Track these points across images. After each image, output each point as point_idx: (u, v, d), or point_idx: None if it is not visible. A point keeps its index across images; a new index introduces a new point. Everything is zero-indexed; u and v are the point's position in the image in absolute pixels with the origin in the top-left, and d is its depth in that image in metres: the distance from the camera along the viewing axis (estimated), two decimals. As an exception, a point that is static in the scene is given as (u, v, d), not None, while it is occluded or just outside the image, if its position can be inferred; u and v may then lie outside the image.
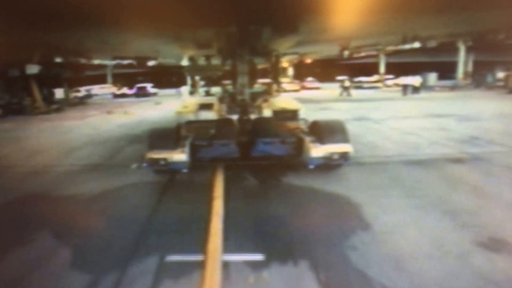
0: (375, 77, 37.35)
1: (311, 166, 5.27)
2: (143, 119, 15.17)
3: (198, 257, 3.25)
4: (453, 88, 30.14)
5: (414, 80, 26.34)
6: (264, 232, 3.83)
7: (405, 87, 25.54)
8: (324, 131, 5.34)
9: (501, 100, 19.26)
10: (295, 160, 5.67)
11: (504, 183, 5.19)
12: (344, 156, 5.13)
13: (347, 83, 26.87)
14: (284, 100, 9.06)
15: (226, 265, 3.14)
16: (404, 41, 9.09)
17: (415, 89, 25.56)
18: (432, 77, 33.32)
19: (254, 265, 3.16)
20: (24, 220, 4.49)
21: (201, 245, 3.40)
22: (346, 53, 10.98)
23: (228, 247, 3.41)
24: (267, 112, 7.49)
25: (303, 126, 6.56)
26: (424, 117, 12.55)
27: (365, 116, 13.29)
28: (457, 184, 5.22)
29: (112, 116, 17.34)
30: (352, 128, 8.33)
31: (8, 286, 3.02)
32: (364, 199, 4.66)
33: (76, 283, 3.00)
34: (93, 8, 3.30)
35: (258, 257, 3.27)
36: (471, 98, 20.66)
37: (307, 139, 5.39)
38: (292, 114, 7.18)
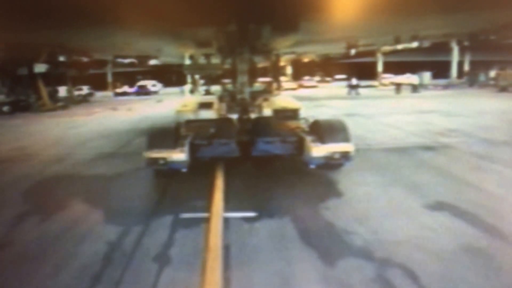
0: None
1: (312, 166, 5.24)
2: (147, 115, 16.05)
3: (204, 215, 4.14)
4: (446, 86, 31.10)
5: (410, 78, 27.30)
6: (257, 198, 4.74)
7: (398, 85, 26.43)
8: (325, 130, 5.28)
9: (489, 98, 20.18)
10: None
11: (461, 164, 6.12)
12: (345, 155, 5.06)
13: (354, 82, 26.19)
14: (284, 99, 9.01)
15: (226, 220, 4.03)
16: (398, 41, 9.64)
17: (414, 88, 26.45)
18: (426, 76, 34.23)
19: (248, 220, 4.05)
20: (59, 192, 5.38)
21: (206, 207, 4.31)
22: (353, 51, 11.23)
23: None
24: (267, 111, 7.47)
25: (303, 125, 6.49)
26: (410, 113, 13.45)
27: (356, 112, 14.19)
28: (422, 165, 6.14)
29: (117, 112, 18.22)
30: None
31: (58, 237, 3.90)
32: (342, 177, 5.56)
33: (113, 231, 3.89)
34: (95, 7, 3.36)
35: (252, 214, 4.16)
36: (461, 96, 21.58)
37: (308, 138, 5.33)
38: (293, 113, 7.10)
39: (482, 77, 32.20)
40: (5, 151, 8.84)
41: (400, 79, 28.23)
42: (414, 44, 10.62)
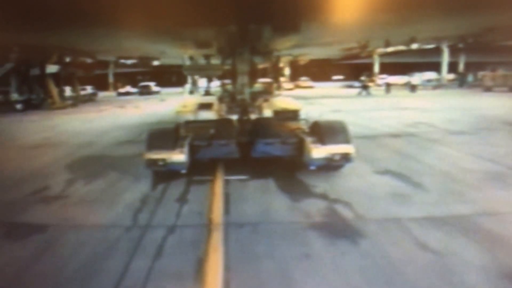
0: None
1: (312, 167, 5.28)
2: (153, 112, 17.51)
3: (210, 178, 5.61)
4: (437, 87, 32.66)
5: (400, 79, 28.91)
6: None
7: (388, 85, 27.98)
8: (325, 131, 5.32)
9: (471, 97, 21.71)
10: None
11: (415, 146, 7.62)
12: (345, 157, 5.13)
13: (366, 81, 26.31)
14: (284, 100, 9.15)
15: (226, 181, 5.50)
16: (387, 44, 10.41)
17: (413, 87, 28.00)
18: (417, 77, 35.77)
19: (242, 180, 5.51)
20: (94, 166, 6.84)
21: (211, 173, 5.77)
22: (367, 50, 11.30)
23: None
24: (267, 112, 7.55)
25: (304, 126, 6.53)
26: (392, 110, 14.96)
27: (343, 109, 15.71)
28: (384, 147, 7.62)
29: (125, 110, 19.66)
30: (328, 117, 10.65)
31: (104, 190, 5.35)
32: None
33: (144, 187, 5.35)
34: (99, 9, 3.48)
35: (245, 177, 5.62)
36: (446, 96, 23.11)
37: (308, 139, 5.38)
38: (293, 114, 7.12)
39: (470, 78, 33.83)
40: (37, 140, 10.28)
41: (392, 79, 29.82)
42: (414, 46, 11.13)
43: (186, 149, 5.22)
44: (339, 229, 3.77)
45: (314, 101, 21.26)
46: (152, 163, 5.14)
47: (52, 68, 21.97)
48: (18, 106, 21.99)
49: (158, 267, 3.12)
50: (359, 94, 25.65)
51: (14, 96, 22.18)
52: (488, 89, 26.56)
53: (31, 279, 3.03)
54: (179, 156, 5.08)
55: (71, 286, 2.92)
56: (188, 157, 5.28)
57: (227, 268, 3.09)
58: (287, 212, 4.29)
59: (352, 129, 9.38)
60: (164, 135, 5.45)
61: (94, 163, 7.16)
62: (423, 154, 6.90)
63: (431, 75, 34.28)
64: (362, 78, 27.27)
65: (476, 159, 6.44)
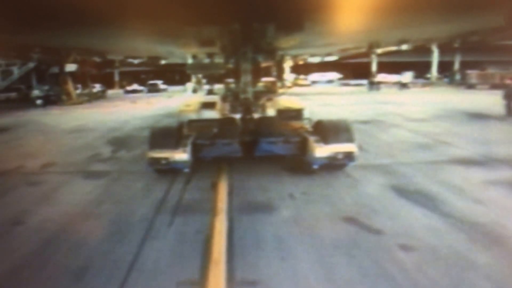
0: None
1: (315, 166, 5.28)
2: (163, 106, 19.65)
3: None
4: (426, 85, 34.70)
5: (389, 77, 30.98)
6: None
7: (371, 83, 30.16)
8: (328, 130, 5.33)
9: (452, 93, 23.73)
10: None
11: (377, 128, 9.74)
12: (348, 156, 5.14)
13: (376, 78, 29.59)
14: (288, 99, 9.09)
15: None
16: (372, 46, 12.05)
17: (403, 85, 30.19)
18: (408, 75, 37.84)
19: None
20: (127, 142, 8.95)
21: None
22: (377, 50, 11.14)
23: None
24: (271, 111, 7.65)
25: (307, 125, 6.55)
26: (374, 104, 17.04)
27: (330, 103, 17.81)
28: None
29: (137, 105, 21.80)
30: (315, 109, 12.77)
31: (142, 156, 7.45)
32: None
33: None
34: (107, 10, 3.49)
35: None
36: (430, 92, 25.11)
37: (311, 138, 5.39)
38: (296, 113, 7.11)
39: (457, 76, 35.89)
40: (72, 127, 12.42)
41: (382, 77, 31.89)
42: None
43: (189, 148, 5.27)
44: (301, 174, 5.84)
45: (307, 97, 23.33)
46: (155, 162, 5.20)
47: (70, 67, 24.09)
48: (38, 102, 24.14)
49: (189, 188, 5.24)
50: (369, 90, 28.94)
51: (35, 92, 24.36)
52: (471, 86, 28.58)
53: (109, 196, 5.14)
54: (181, 155, 5.12)
55: (138, 197, 5.04)
56: (191, 156, 5.33)
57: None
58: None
59: (330, 116, 11.39)
60: (167, 134, 5.49)
61: (126, 141, 9.27)
62: (380, 133, 9.00)
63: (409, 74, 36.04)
64: (373, 75, 30.71)
65: (417, 136, 8.55)
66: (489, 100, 15.84)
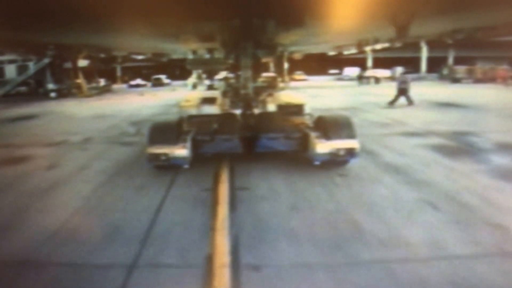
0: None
1: (317, 162, 5.24)
2: (169, 98, 21.55)
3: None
4: (415, 79, 36.60)
5: (384, 73, 33.11)
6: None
7: (361, 77, 32.15)
8: (330, 126, 5.31)
9: (435, 87, 25.70)
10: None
11: (352, 114, 11.63)
12: (350, 152, 5.12)
13: (366, 73, 32.02)
14: (289, 95, 9.07)
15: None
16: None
17: (377, 80, 32.19)
18: (399, 70, 39.75)
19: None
20: (144, 124, 10.90)
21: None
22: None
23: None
24: (271, 107, 7.66)
25: (308, 121, 6.49)
26: (356, 95, 19.06)
27: (319, 94, 19.81)
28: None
29: (145, 97, 23.68)
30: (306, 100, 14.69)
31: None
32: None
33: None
34: (110, 9, 3.66)
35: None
36: (415, 86, 26.99)
37: (313, 134, 5.35)
38: (297, 109, 7.08)
39: (445, 71, 37.82)
40: (92, 114, 14.34)
41: (372, 72, 33.90)
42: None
43: (188, 143, 5.25)
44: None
45: (301, 90, 25.27)
46: (154, 157, 5.17)
47: (83, 63, 25.97)
48: (52, 95, 26.04)
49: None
50: (360, 84, 30.81)
51: (50, 86, 26.28)
52: (456, 80, 30.61)
53: (138, 159, 7.09)
54: (181, 151, 5.10)
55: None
56: (191, 152, 5.31)
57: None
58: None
59: (317, 105, 13.39)
60: (166, 129, 5.47)
61: (145, 123, 11.20)
62: (353, 117, 10.95)
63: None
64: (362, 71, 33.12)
65: (381, 118, 10.54)
66: (466, 92, 17.80)
